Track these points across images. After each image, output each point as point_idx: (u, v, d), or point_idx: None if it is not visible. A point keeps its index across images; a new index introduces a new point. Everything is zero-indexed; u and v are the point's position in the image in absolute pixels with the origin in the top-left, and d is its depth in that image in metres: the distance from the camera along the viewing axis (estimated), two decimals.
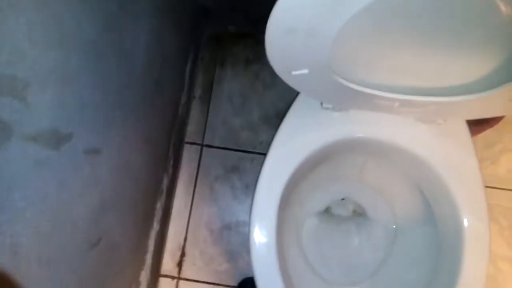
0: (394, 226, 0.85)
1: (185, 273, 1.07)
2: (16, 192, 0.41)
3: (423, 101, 0.60)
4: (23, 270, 0.44)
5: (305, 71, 0.56)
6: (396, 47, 0.55)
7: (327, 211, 0.95)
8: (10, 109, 0.38)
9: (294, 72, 0.56)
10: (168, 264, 1.07)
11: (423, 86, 0.61)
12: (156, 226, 0.98)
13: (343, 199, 0.94)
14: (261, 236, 0.69)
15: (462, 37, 0.51)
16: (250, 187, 1.12)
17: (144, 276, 0.94)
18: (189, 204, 1.11)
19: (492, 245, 1.06)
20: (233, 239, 1.09)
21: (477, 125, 0.88)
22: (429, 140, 0.69)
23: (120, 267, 0.76)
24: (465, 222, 0.66)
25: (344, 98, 0.64)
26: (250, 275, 1.04)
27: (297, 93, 0.76)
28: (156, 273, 1.03)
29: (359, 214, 0.94)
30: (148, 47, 0.74)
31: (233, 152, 1.14)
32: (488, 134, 1.12)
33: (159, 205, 0.99)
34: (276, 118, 1.14)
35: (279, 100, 1.15)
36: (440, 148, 0.69)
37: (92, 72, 0.53)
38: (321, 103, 0.70)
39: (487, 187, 1.10)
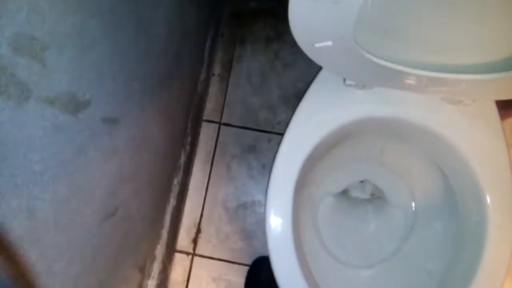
0: (413, 210, 0.83)
1: (200, 249, 1.08)
2: (33, 154, 0.40)
3: (452, 79, 0.57)
4: (40, 233, 0.44)
5: (329, 43, 0.53)
6: (424, 20, 0.52)
7: (344, 193, 0.94)
8: (28, 70, 0.38)
9: (317, 45, 0.54)
10: (183, 240, 1.08)
11: (451, 63, 0.58)
12: (172, 201, 0.98)
13: (362, 181, 0.93)
14: (276, 215, 0.68)
15: (493, 8, 0.48)
16: (267, 167, 1.11)
17: (160, 251, 0.94)
18: (206, 181, 1.11)
19: None
20: (248, 218, 1.09)
21: (506, 109, 0.84)
22: (455, 121, 0.67)
23: (136, 239, 0.77)
24: (489, 204, 0.64)
25: (368, 74, 0.62)
26: (264, 254, 1.04)
27: (318, 73, 0.74)
28: (171, 249, 1.04)
29: (377, 197, 0.92)
30: (167, 20, 0.73)
31: (251, 131, 1.13)
32: None
33: (176, 181, 0.99)
34: (295, 98, 1.12)
35: (298, 80, 1.13)
36: (467, 129, 0.66)
37: (110, 41, 0.53)
38: (344, 80, 0.68)
39: None
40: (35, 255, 0.44)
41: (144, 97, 0.68)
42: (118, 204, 0.65)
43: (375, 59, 0.56)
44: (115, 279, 0.70)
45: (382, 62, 0.57)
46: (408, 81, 0.62)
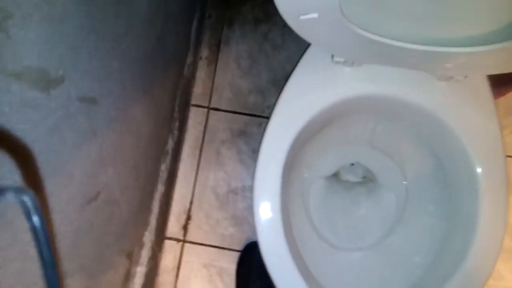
0: (405, 191, 0.81)
1: (191, 236, 1.06)
2: None
3: (444, 53, 0.55)
4: (11, 214, 0.42)
5: (315, 15, 0.51)
6: None
7: (336, 175, 0.92)
8: None
9: (302, 17, 0.52)
10: (173, 227, 1.06)
11: (443, 36, 0.56)
12: (161, 187, 0.96)
13: (353, 164, 0.91)
14: (264, 199, 0.67)
15: None
16: (257, 152, 1.09)
17: (148, 238, 0.93)
18: (195, 167, 1.09)
19: (510, 217, 1.03)
20: (239, 204, 1.07)
21: (499, 87, 0.82)
22: (446, 98, 0.65)
23: (121, 225, 0.75)
24: (481, 182, 0.62)
25: (356, 50, 0.60)
26: (256, 240, 1.02)
27: (305, 51, 0.72)
28: (161, 235, 1.03)
29: (369, 179, 0.90)
30: (149, 0, 0.70)
31: (240, 115, 1.10)
32: (510, 101, 1.06)
33: (164, 167, 0.97)
34: (285, 81, 1.10)
35: (288, 62, 1.11)
36: (458, 106, 0.65)
37: (85, 15, 0.50)
38: (332, 57, 0.66)
39: (507, 156, 1.06)
40: (7, 239, 0.42)
41: (125, 78, 0.66)
42: (100, 188, 0.63)
43: (363, 33, 0.54)
44: (100, 265, 0.68)
45: (371, 36, 0.55)
46: (398, 56, 0.60)
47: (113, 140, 0.65)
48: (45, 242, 0.28)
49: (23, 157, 0.43)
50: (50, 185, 0.49)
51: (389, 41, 0.56)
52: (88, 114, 0.55)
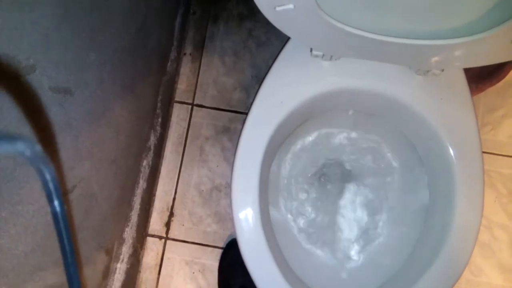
0: (385, 186, 0.82)
1: (173, 233, 1.05)
2: None
3: (421, 45, 0.55)
4: None
5: (290, 5, 0.51)
6: None
7: (317, 172, 0.92)
8: None
9: (278, 8, 0.52)
10: (156, 224, 1.06)
11: (420, 29, 0.56)
12: (142, 184, 0.96)
13: (333, 159, 0.91)
14: (243, 195, 0.67)
15: None
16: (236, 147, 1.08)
17: (129, 234, 0.92)
18: (179, 164, 1.08)
19: (489, 212, 1.04)
20: (222, 201, 1.07)
21: (477, 83, 0.83)
22: (424, 92, 0.66)
23: (99, 220, 0.74)
24: (457, 174, 0.63)
25: (333, 42, 0.60)
26: None
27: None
28: (143, 232, 1.02)
29: (350, 174, 0.90)
30: None
31: (224, 112, 1.10)
32: (490, 98, 1.08)
33: (145, 163, 0.96)
34: (265, 75, 1.10)
35: (272, 59, 1.09)
36: (435, 99, 0.65)
37: (57, 5, 0.49)
38: (311, 50, 0.66)
39: (486, 153, 1.08)
40: None
41: (103, 70, 0.65)
42: (76, 181, 0.62)
43: (339, 25, 0.54)
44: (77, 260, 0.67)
45: (347, 29, 0.55)
46: (376, 50, 0.61)
47: (90, 133, 0.64)
48: (65, 226, 0.27)
49: None
50: (22, 175, 0.48)
51: (366, 34, 0.56)
52: (63, 105, 0.54)
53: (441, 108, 0.66)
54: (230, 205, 0.67)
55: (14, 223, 0.48)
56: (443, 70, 0.64)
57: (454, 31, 0.54)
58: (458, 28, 0.54)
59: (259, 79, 1.10)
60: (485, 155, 1.03)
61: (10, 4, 0.41)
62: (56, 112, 0.53)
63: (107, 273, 0.83)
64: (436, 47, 0.55)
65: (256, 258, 0.66)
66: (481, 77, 0.82)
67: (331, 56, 0.65)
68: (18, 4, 0.42)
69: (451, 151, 0.65)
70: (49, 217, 0.56)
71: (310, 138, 0.84)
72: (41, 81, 0.48)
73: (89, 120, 0.63)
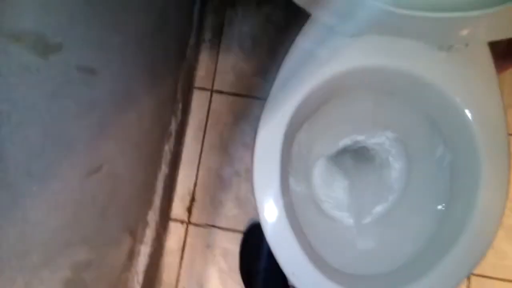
0: (407, 168, 0.81)
1: (195, 218, 1.07)
2: None
3: (446, 18, 0.54)
4: (10, 178, 0.43)
5: None
6: None
7: (338, 154, 0.92)
8: None
9: None
10: (178, 209, 1.07)
11: (441, 2, 0.55)
12: (164, 168, 0.97)
13: (355, 142, 0.91)
14: (264, 178, 0.67)
15: None
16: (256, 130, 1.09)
17: (153, 217, 0.93)
18: (199, 149, 1.09)
19: None
20: (242, 185, 1.07)
21: (503, 61, 0.81)
22: (448, 68, 0.64)
23: (125, 201, 0.75)
24: (482, 153, 0.62)
25: (354, 18, 0.59)
26: (259, 220, 1.02)
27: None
28: (165, 217, 1.03)
29: (372, 157, 0.90)
30: None
31: (243, 98, 1.10)
32: None
33: (167, 148, 0.97)
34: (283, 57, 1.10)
35: (291, 44, 1.10)
36: (459, 76, 0.64)
37: None
38: (331, 28, 0.65)
39: (511, 134, 1.05)
40: (7, 200, 0.43)
41: (125, 52, 0.66)
42: (102, 161, 0.64)
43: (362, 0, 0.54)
44: (102, 239, 0.69)
45: (370, 3, 0.54)
46: (400, 25, 0.60)
47: (114, 114, 0.65)
48: None
49: None
50: (51, 152, 0.49)
51: (390, 8, 0.55)
52: (88, 84, 0.55)
53: (466, 85, 0.64)
54: (252, 189, 0.68)
55: (45, 198, 0.49)
56: (467, 45, 0.62)
57: (477, 2, 0.53)
58: (481, 0, 0.53)
59: (278, 64, 1.10)
60: (511, 137, 1.01)
61: None
62: (82, 90, 0.54)
63: (131, 255, 0.85)
64: (460, 19, 0.54)
65: (281, 242, 0.66)
66: (506, 55, 0.80)
67: (353, 33, 0.65)
68: None
69: (476, 131, 0.63)
70: (77, 195, 0.57)
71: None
72: (68, 59, 0.50)
73: (113, 101, 0.64)
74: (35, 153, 0.46)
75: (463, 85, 0.64)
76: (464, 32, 0.58)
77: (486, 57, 0.65)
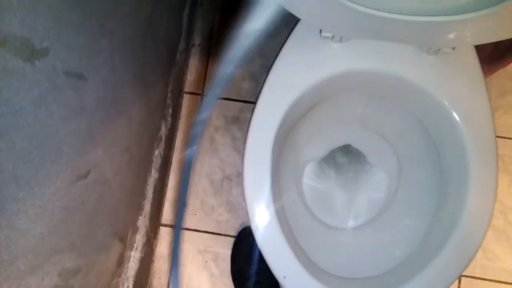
0: (397, 171, 0.81)
1: (186, 222, 1.06)
2: None
3: (433, 22, 0.55)
4: None
5: None
6: None
7: (328, 157, 0.92)
8: None
9: None
10: (168, 214, 1.06)
11: (431, 6, 0.56)
12: (155, 173, 0.96)
13: (345, 145, 0.91)
14: (254, 182, 0.66)
15: None
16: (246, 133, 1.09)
17: (143, 223, 0.93)
18: None
19: (503, 197, 1.03)
20: (233, 190, 1.07)
21: (489, 64, 0.82)
22: (435, 71, 0.65)
23: (114, 207, 0.75)
24: (470, 156, 0.62)
25: (343, 22, 0.60)
26: (250, 225, 1.02)
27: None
28: (156, 222, 1.03)
29: (361, 160, 0.90)
30: None
31: (234, 102, 1.10)
32: (502, 82, 1.06)
33: (157, 153, 0.97)
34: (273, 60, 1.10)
35: (281, 48, 1.10)
36: (447, 79, 0.65)
37: None
38: (320, 32, 0.66)
39: (499, 137, 1.06)
40: None
41: (114, 58, 0.66)
42: (91, 167, 0.63)
43: (350, 4, 0.54)
44: (91, 245, 0.68)
45: (358, 8, 0.54)
46: (387, 29, 0.60)
47: (103, 119, 0.65)
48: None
49: None
50: (37, 158, 0.49)
51: (376, 13, 0.55)
52: (76, 89, 0.55)
53: (453, 88, 0.65)
54: (243, 193, 0.67)
55: (31, 204, 0.49)
56: (454, 49, 0.63)
57: (463, 6, 0.54)
58: (468, 4, 0.54)
59: (268, 69, 1.10)
60: (498, 139, 1.02)
61: None
62: (70, 95, 0.54)
63: (121, 261, 0.84)
64: (446, 23, 0.55)
65: (272, 246, 0.66)
66: (493, 58, 0.81)
67: (341, 37, 0.65)
68: None
69: (464, 134, 0.64)
70: (64, 201, 0.57)
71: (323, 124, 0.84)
72: (55, 64, 0.49)
73: (102, 106, 0.64)
74: (21, 159, 0.46)
75: (451, 88, 0.65)
76: (451, 36, 0.58)
77: (473, 60, 0.66)
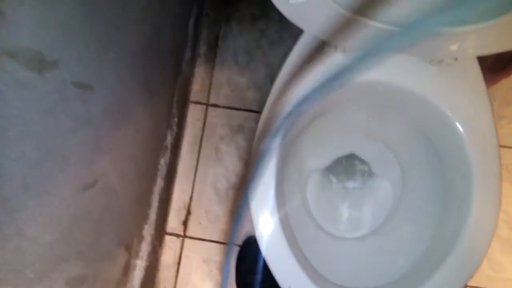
0: (400, 180, 0.82)
1: (191, 231, 1.07)
2: None
3: (436, 33, 0.56)
4: (7, 193, 0.43)
5: None
6: None
7: (332, 167, 0.92)
8: None
9: (292, 1, 0.53)
10: (173, 222, 1.07)
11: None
12: (160, 182, 0.97)
13: (348, 155, 0.91)
14: (260, 192, 0.67)
15: None
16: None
17: (148, 231, 0.93)
18: (195, 163, 1.10)
19: (508, 207, 1.03)
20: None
21: (492, 75, 0.83)
22: (438, 82, 0.65)
23: (120, 216, 0.76)
24: (474, 166, 0.62)
25: (346, 34, 0.61)
26: (254, 234, 1.02)
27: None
28: (161, 231, 1.03)
29: (365, 169, 0.91)
30: None
31: (238, 111, 1.11)
32: (506, 92, 1.07)
33: (163, 161, 0.98)
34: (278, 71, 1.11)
35: (285, 57, 1.11)
36: (449, 90, 0.65)
37: (79, 1, 0.51)
38: (323, 43, 0.67)
39: (503, 146, 1.06)
40: (3, 215, 0.43)
41: (121, 68, 0.67)
42: (97, 176, 0.64)
43: (353, 16, 0.55)
44: (98, 254, 0.68)
45: (361, 19, 0.56)
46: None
47: (110, 129, 0.66)
48: None
49: None
50: (46, 167, 0.50)
51: (380, 25, 0.56)
52: (84, 100, 0.56)
53: (456, 98, 0.65)
54: (247, 202, 0.68)
55: (40, 212, 0.49)
56: (456, 60, 0.64)
57: (465, 18, 0.54)
58: (469, 16, 0.54)
59: (273, 78, 1.11)
60: (502, 149, 1.02)
61: (35, 1, 0.43)
62: (78, 106, 0.55)
63: (127, 269, 0.84)
64: (450, 35, 0.56)
65: (277, 255, 0.66)
66: (495, 68, 0.81)
67: (345, 48, 0.66)
68: (42, 0, 0.44)
69: (467, 144, 0.64)
70: (71, 209, 0.57)
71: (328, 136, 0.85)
72: (64, 76, 0.50)
73: (109, 116, 0.65)
74: (30, 169, 0.47)
75: (454, 99, 0.65)
76: (453, 47, 0.59)
77: (475, 71, 0.66)
